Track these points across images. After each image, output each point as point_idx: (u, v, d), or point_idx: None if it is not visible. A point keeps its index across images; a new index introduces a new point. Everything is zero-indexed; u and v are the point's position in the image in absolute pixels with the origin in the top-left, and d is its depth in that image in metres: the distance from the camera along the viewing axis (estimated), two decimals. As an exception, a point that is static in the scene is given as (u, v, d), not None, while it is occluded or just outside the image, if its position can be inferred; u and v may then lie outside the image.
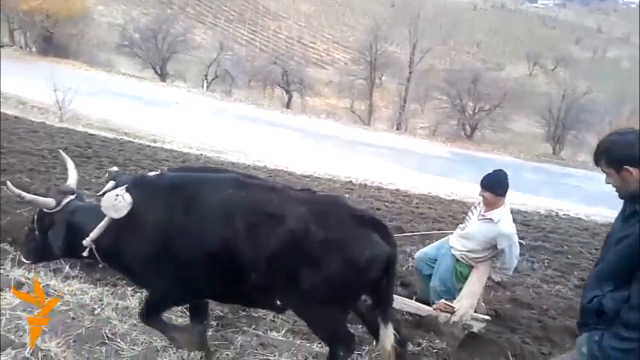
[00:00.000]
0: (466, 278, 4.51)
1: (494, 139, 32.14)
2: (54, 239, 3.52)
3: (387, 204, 11.51)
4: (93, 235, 3.35)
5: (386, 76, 40.10)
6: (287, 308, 3.44)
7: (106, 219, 3.34)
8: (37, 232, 3.61)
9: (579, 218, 13.84)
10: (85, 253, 3.43)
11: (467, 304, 4.33)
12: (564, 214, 14.02)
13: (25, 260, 3.83)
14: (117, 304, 4.07)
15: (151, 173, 3.67)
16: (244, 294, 3.36)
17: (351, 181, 14.74)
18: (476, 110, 33.15)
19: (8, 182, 3.55)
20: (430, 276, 4.74)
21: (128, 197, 3.28)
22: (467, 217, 4.66)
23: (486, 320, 4.45)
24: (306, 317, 3.44)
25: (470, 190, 17.04)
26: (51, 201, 3.53)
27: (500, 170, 4.37)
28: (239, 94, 36.51)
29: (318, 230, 3.01)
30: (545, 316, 5.22)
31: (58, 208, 3.53)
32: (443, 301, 4.41)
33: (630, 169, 2.40)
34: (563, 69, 63.50)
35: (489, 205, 4.35)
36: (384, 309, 3.29)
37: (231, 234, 3.13)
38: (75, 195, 3.66)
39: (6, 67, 27.64)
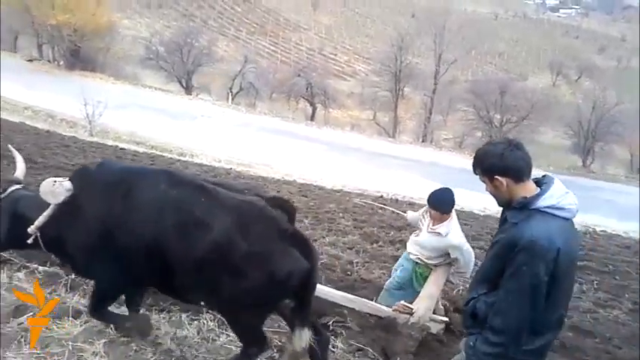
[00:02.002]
0: (425, 279, 4.65)
1: (521, 151, 31.66)
2: None
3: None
4: (38, 222, 3.47)
5: (409, 88, 39.89)
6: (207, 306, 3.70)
7: (50, 207, 3.47)
8: None
9: (618, 235, 13.51)
10: (29, 241, 3.53)
11: (425, 305, 4.44)
12: (601, 231, 13.68)
13: None
14: (174, 332, 3.97)
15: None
16: (176, 290, 3.52)
17: (382, 196, 14.55)
18: (503, 122, 32.75)
19: None
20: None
21: (67, 184, 3.47)
22: (420, 222, 4.79)
23: (444, 322, 4.55)
24: (226, 318, 3.65)
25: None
26: None
27: (447, 189, 4.49)
28: (262, 107, 36.64)
29: (242, 243, 3.13)
30: (610, 345, 5.01)
31: (3, 195, 3.69)
32: (402, 302, 4.51)
33: (500, 178, 2.51)
34: (588, 79, 62.68)
35: (436, 220, 4.49)
36: (301, 314, 3.42)
37: (159, 232, 3.25)
38: (22, 185, 3.81)
39: (35, 81, 28.21)
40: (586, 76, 64.53)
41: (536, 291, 2.39)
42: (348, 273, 6.52)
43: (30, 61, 33.36)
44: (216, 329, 4.12)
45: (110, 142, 17.76)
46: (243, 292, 3.17)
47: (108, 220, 3.36)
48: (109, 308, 3.79)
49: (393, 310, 4.49)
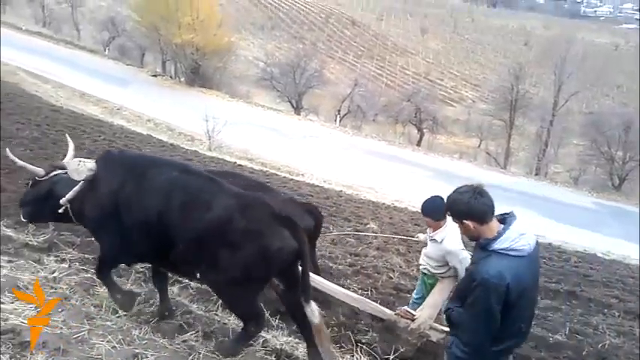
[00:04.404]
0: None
1: (644, 191, 29.41)
2: (33, 200, 4.39)
3: (545, 261, 10.63)
4: (68, 196, 4.14)
5: (520, 118, 38.31)
6: (204, 282, 4.11)
7: (79, 184, 4.13)
8: (32, 197, 4.41)
9: None
10: (60, 211, 4.19)
11: (427, 314, 4.66)
12: None
13: (22, 219, 4.63)
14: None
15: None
16: (173, 262, 3.98)
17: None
18: (626, 160, 30.43)
19: (7, 149, 4.55)
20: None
21: (89, 164, 4.16)
22: (427, 236, 5.06)
23: (445, 331, 4.57)
24: (221, 294, 4.10)
25: (625, 249, 15.55)
26: (40, 170, 4.41)
27: (437, 196, 4.67)
28: (366, 129, 36.65)
29: (240, 220, 3.67)
30: None
31: (46, 177, 4.36)
32: (405, 308, 4.82)
33: (467, 222, 3.06)
34: None
35: (433, 228, 4.76)
36: (304, 292, 3.86)
37: (167, 209, 3.80)
38: (65, 171, 4.32)
39: (157, 95, 30.04)
40: None
41: (490, 316, 2.96)
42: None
43: (154, 76, 35.56)
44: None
45: (228, 158, 18.42)
46: (238, 264, 3.64)
47: (121, 197, 3.94)
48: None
49: (396, 314, 4.76)
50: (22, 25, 41.68)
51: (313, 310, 3.83)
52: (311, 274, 4.77)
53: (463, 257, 4.59)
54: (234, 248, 3.63)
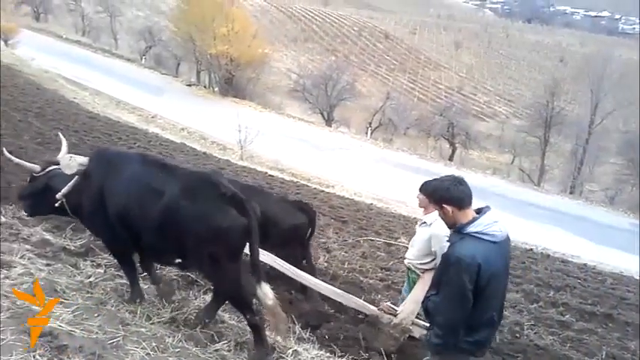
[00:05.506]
0: None
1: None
2: (31, 195, 4.66)
3: (579, 282, 10.41)
4: (64, 190, 4.36)
5: (555, 135, 37.64)
6: (188, 267, 4.31)
7: (73, 180, 4.34)
8: (30, 191, 4.67)
9: None
10: (57, 205, 4.42)
11: (409, 309, 4.64)
12: None
13: (23, 213, 4.87)
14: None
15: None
16: (145, 252, 4.24)
17: (531, 250, 13.71)
18: (664, 181, 29.68)
19: (4, 148, 4.78)
20: None
21: (79, 159, 4.38)
22: (416, 227, 5.00)
23: (427, 327, 4.37)
24: (207, 276, 4.34)
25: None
26: (36, 167, 4.66)
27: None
28: (397, 143, 36.47)
29: (187, 206, 3.78)
30: None
31: (42, 173, 4.60)
32: (387, 303, 4.85)
33: (446, 207, 3.29)
34: None
35: (425, 209, 4.63)
36: (254, 272, 3.85)
37: (126, 202, 3.99)
38: (59, 166, 4.49)
39: (191, 104, 30.50)
40: None
41: (463, 296, 3.13)
42: (517, 335, 6.11)
43: (189, 85, 36.16)
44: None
45: (259, 168, 18.52)
46: (198, 246, 3.76)
47: (102, 192, 4.14)
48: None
49: (379, 310, 4.79)
50: (63, 34, 42.92)
51: (266, 292, 3.80)
52: (294, 269, 5.01)
53: (445, 245, 4.46)
54: (188, 233, 3.77)
